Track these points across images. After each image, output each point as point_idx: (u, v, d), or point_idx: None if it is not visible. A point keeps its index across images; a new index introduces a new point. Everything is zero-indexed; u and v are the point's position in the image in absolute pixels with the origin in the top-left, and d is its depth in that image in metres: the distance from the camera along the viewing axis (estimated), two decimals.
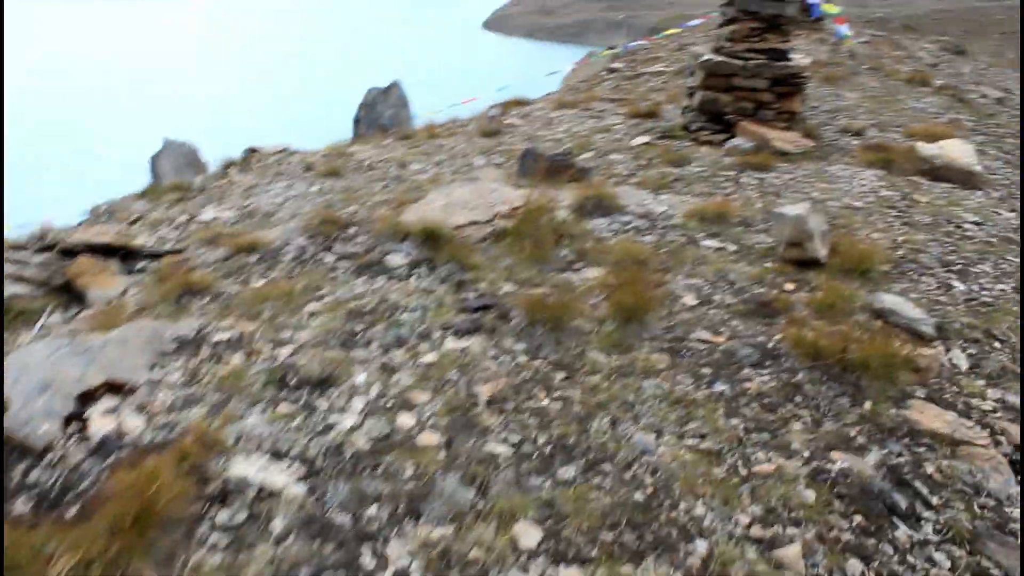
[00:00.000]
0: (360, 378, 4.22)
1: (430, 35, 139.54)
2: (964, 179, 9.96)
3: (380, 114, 19.22)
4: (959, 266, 6.93)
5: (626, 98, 15.96)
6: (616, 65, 25.59)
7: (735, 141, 10.50)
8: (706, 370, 4.59)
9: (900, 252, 7.02)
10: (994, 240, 7.84)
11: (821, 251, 6.20)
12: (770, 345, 4.89)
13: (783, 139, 10.48)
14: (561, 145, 11.21)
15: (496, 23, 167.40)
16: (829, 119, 13.64)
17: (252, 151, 11.96)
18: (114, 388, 4.04)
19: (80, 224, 8.70)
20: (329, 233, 6.55)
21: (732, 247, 6.60)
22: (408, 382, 4.22)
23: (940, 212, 8.51)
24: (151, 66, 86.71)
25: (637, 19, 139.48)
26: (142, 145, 17.47)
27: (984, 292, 6.43)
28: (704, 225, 6.97)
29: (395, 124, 19.23)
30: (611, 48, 34.75)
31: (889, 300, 5.62)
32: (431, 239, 5.92)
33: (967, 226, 8.23)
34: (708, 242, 6.64)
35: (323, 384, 4.15)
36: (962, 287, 6.46)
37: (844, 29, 12.62)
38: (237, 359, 4.40)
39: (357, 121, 19.69)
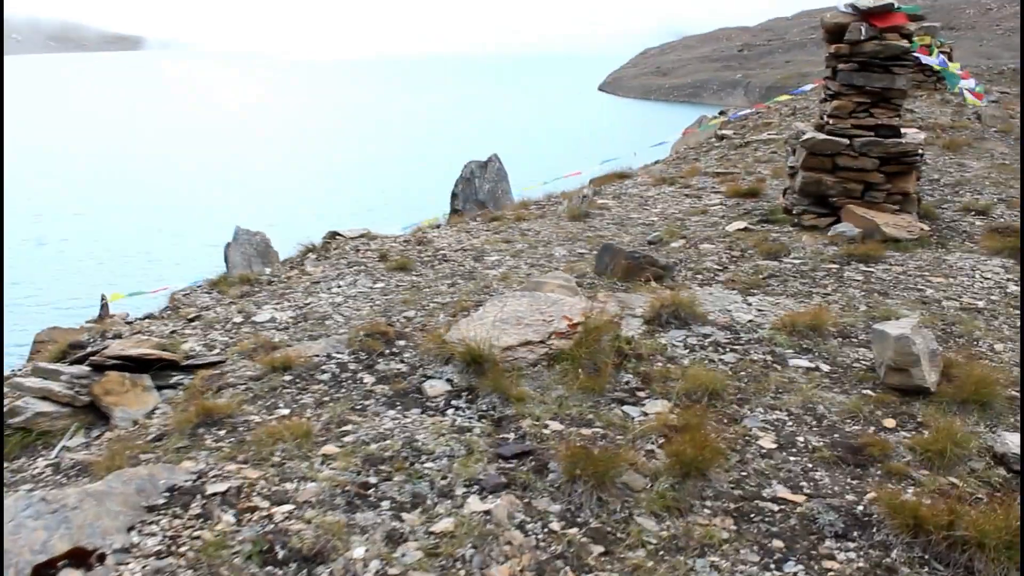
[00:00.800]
0: (358, 551, 3.62)
1: (545, 99, 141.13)
2: None
3: (478, 189, 18.93)
4: None
5: (729, 172, 15.17)
6: (725, 132, 24.84)
7: (840, 227, 9.60)
8: (777, 543, 3.81)
9: None
10: None
11: (930, 377, 5.32)
12: (860, 508, 4.07)
13: (894, 224, 9.53)
14: (651, 231, 10.53)
15: (611, 85, 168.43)
16: (950, 195, 12.55)
17: (333, 235, 11.67)
18: (79, 557, 3.55)
19: (138, 319, 8.46)
20: (374, 348, 6.03)
21: (825, 367, 5.77)
22: (414, 558, 3.60)
23: None
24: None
25: (754, 78, 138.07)
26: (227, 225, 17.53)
27: None
28: (794, 338, 6.16)
29: (492, 199, 18.90)
30: (721, 113, 34.00)
31: (1013, 441, 4.71)
32: (475, 363, 5.32)
33: None
34: (797, 361, 5.82)
35: (314, 560, 3.57)
36: None
37: (970, 84, 11.60)
38: (228, 519, 3.86)
39: (454, 196, 19.45)
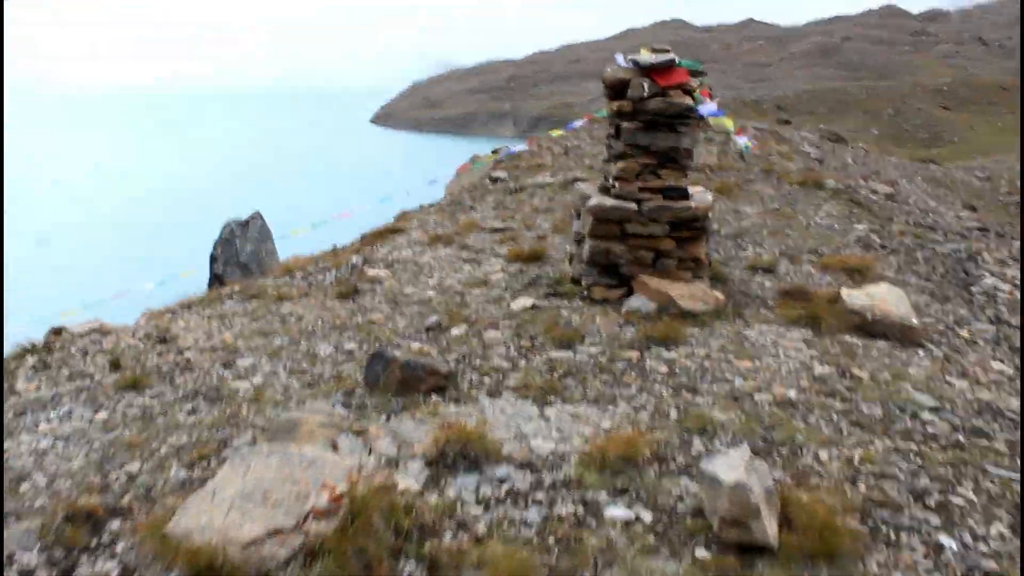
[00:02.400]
0: None
1: (315, 136, 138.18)
2: (902, 335, 8.48)
3: (239, 250, 17.17)
4: (935, 497, 5.29)
5: (508, 228, 14.32)
6: (499, 174, 24.25)
7: (634, 302, 8.82)
8: None
9: (863, 486, 5.33)
10: (961, 438, 6.27)
11: (770, 529, 4.42)
12: None
13: (689, 296, 8.86)
14: (428, 311, 9.36)
15: (383, 118, 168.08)
16: (733, 248, 12.21)
17: (56, 332, 9.72)
18: None
19: None
20: (75, 541, 4.49)
21: (647, 515, 4.77)
22: None
23: (889, 397, 6.92)
24: None
25: (521, 109, 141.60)
26: None
27: (981, 548, 4.78)
28: (606, 475, 5.15)
29: (256, 261, 17.20)
30: (494, 152, 33.60)
31: None
32: (208, 570, 3.92)
33: (925, 416, 6.66)
34: (614, 511, 4.79)
35: None
36: (952, 545, 4.79)
37: (744, 140, 11.26)
38: None
39: (213, 259, 17.56)
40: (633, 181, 9.24)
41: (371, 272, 11.33)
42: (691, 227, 9.23)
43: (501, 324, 8.58)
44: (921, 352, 8.31)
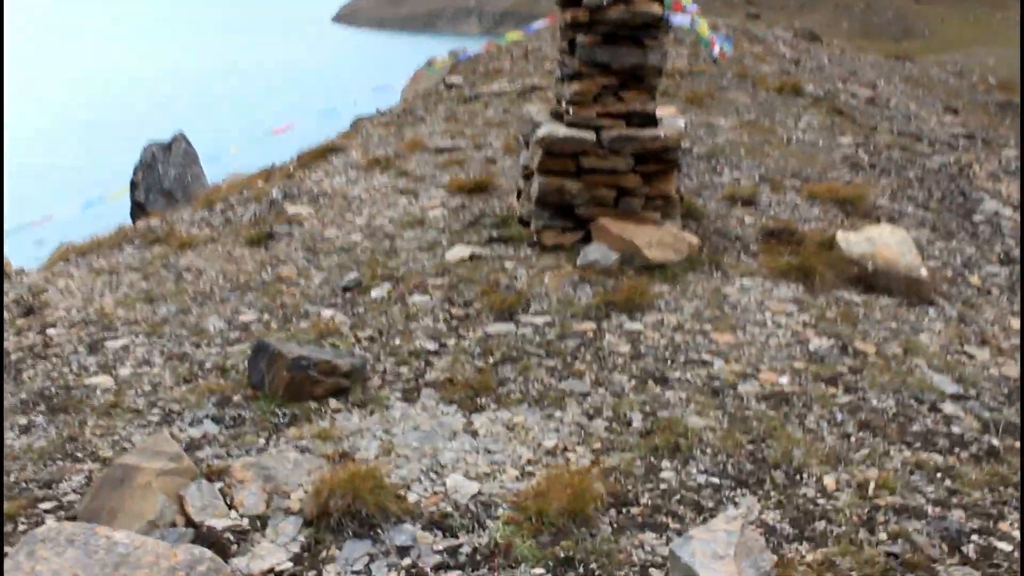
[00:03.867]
0: None
1: (272, 34, 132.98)
2: (908, 289, 7.16)
3: (162, 176, 15.47)
4: (974, 542, 4.02)
5: (455, 149, 12.73)
6: (454, 80, 22.44)
7: (591, 251, 7.38)
8: None
9: (883, 533, 4.04)
10: (994, 441, 5.00)
11: None
12: None
13: (658, 243, 7.43)
14: (349, 263, 7.89)
15: (346, 17, 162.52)
16: (708, 172, 10.74)
17: None
18: None
19: None
20: None
21: None
22: None
23: (903, 382, 5.62)
24: None
25: (487, 5, 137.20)
26: None
27: None
28: (545, 542, 3.80)
29: (180, 187, 15.53)
30: (451, 53, 31.55)
31: None
32: None
33: (947, 408, 5.37)
34: None
35: None
36: None
37: (719, 48, 9.73)
38: None
39: (134, 186, 15.84)
40: (591, 105, 7.69)
41: (291, 210, 9.78)
42: (660, 159, 7.74)
43: (431, 283, 7.12)
44: (932, 311, 6.99)
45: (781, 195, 9.87)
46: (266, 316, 6.80)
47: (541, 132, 7.68)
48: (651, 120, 7.83)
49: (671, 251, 7.41)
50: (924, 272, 7.25)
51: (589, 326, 6.21)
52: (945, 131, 19.47)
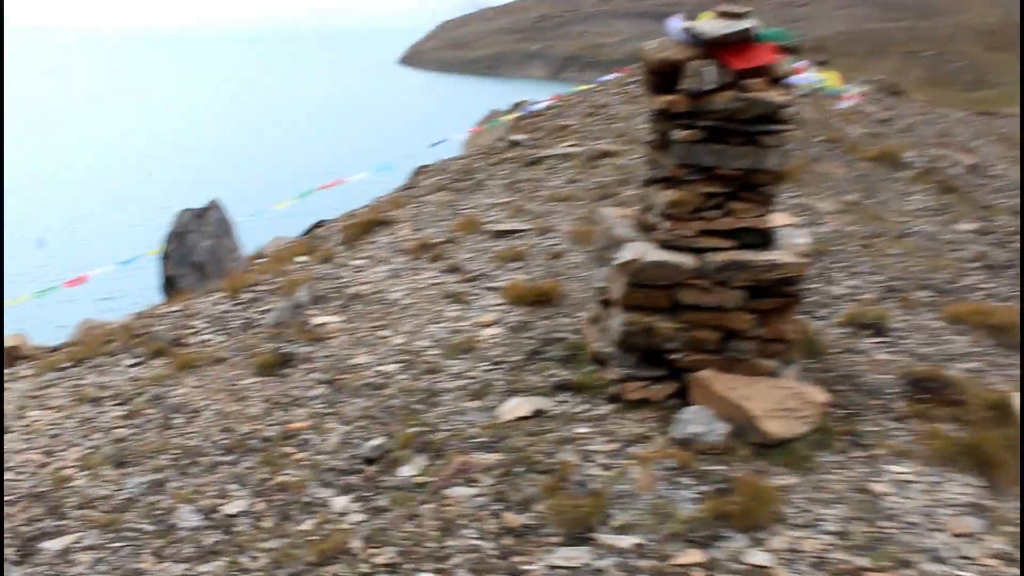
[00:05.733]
0: None
1: (339, 73, 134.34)
2: None
3: (194, 247, 14.09)
4: None
5: (515, 231, 11.08)
6: (518, 137, 20.98)
7: (691, 419, 5.59)
8: None
9: None
10: None
11: None
12: None
13: (777, 408, 5.63)
14: (378, 411, 6.21)
15: (412, 58, 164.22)
16: (818, 280, 8.91)
17: None
18: None
19: None
20: None
21: None
22: None
23: None
24: None
25: (551, 48, 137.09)
26: None
27: None
28: None
29: (213, 260, 14.11)
30: (516, 106, 30.20)
31: None
32: None
33: None
34: None
35: None
36: None
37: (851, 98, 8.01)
38: None
39: (166, 258, 14.48)
40: (690, 220, 5.97)
41: (317, 320, 8.17)
42: (778, 293, 5.97)
43: (479, 461, 5.40)
44: None
45: (915, 316, 8.01)
46: (259, 506, 5.12)
47: (626, 255, 5.95)
48: (766, 240, 6.07)
49: (795, 421, 5.59)
50: None
51: (695, 557, 4.41)
52: None
